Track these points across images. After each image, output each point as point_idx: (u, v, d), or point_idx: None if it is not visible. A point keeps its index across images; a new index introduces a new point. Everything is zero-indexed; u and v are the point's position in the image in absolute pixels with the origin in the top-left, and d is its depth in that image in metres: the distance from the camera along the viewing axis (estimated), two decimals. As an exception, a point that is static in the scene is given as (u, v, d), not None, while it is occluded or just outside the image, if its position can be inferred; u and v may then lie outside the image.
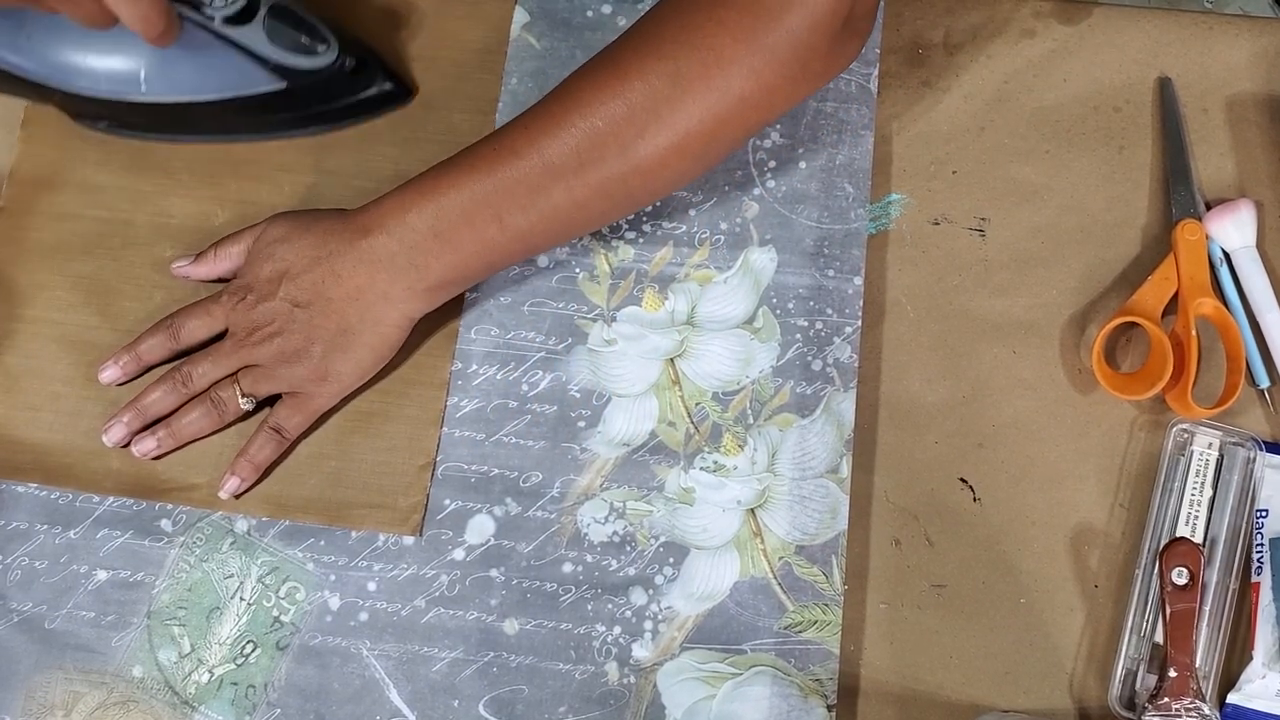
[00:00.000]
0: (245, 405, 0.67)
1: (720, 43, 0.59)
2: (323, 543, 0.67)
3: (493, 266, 0.66)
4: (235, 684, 0.65)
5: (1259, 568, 0.64)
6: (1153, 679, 0.63)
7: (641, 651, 0.65)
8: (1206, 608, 0.63)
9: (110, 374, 0.69)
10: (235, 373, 0.67)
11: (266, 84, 0.69)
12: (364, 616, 0.66)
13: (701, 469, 0.68)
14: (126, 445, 0.68)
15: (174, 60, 0.67)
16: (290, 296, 0.65)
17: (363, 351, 0.66)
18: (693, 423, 0.69)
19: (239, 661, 0.65)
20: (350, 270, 0.65)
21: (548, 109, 0.63)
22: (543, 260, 0.71)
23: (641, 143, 0.61)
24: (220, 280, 0.70)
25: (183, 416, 0.68)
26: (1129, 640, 0.64)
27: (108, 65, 0.68)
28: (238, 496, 0.67)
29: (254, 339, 0.66)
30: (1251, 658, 0.63)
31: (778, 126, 0.73)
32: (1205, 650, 0.63)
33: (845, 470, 0.67)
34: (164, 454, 0.68)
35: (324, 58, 0.69)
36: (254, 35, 0.67)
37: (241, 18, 0.66)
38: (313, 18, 0.69)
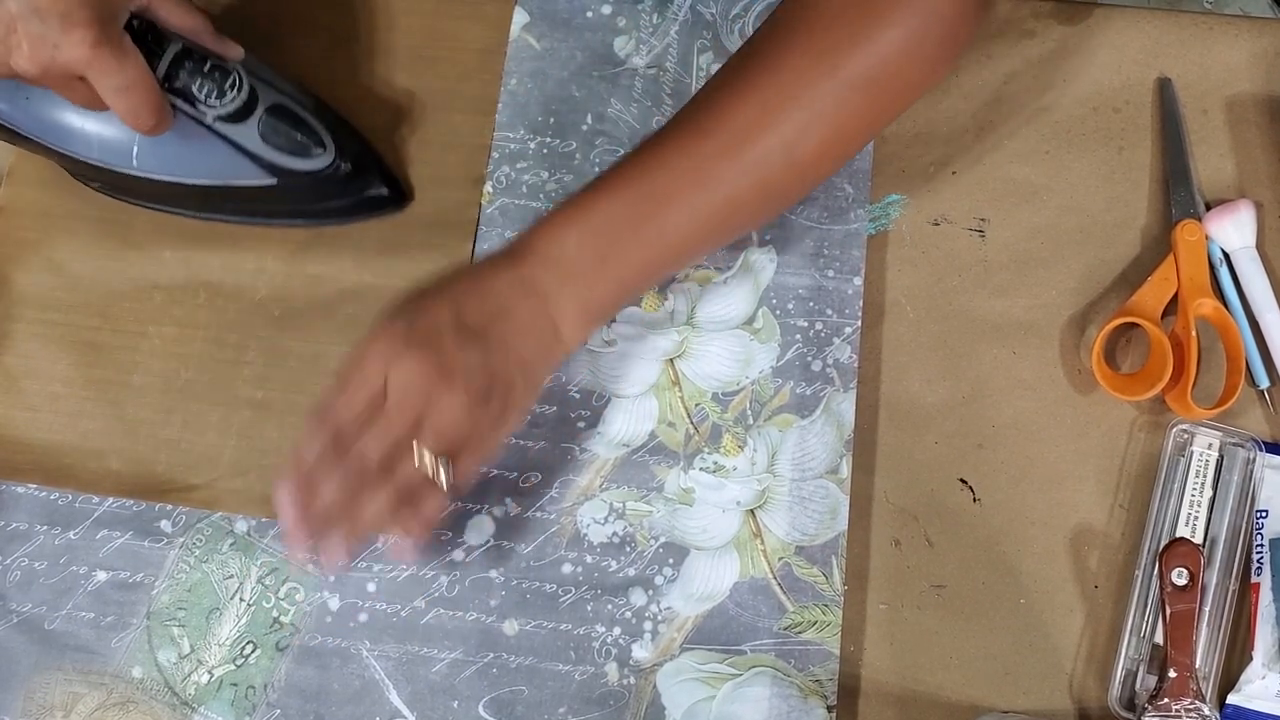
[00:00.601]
0: (444, 475, 0.57)
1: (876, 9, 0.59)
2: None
3: (651, 278, 0.65)
4: (235, 685, 0.65)
5: (1259, 568, 0.64)
6: (1153, 679, 0.63)
7: (641, 652, 0.65)
8: (1206, 608, 0.63)
9: (294, 539, 0.59)
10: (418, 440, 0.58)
11: (256, 178, 0.67)
12: (364, 617, 0.66)
13: (701, 469, 0.68)
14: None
15: (166, 142, 0.66)
16: (458, 336, 0.57)
17: (548, 339, 0.61)
18: (692, 423, 0.69)
19: (239, 662, 0.65)
20: (516, 302, 0.59)
21: (700, 108, 0.61)
22: (542, 261, 0.71)
23: (799, 137, 0.59)
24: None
25: (365, 506, 0.58)
26: (1129, 641, 0.64)
27: (102, 134, 0.67)
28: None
29: (434, 407, 0.57)
30: (1251, 658, 0.63)
31: (777, 127, 0.73)
32: (1205, 651, 0.63)
33: (845, 471, 0.67)
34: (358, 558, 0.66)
35: (318, 160, 0.67)
36: (248, 133, 0.66)
37: (236, 116, 0.65)
38: (313, 118, 0.68)
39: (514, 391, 0.59)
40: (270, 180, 0.67)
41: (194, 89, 0.64)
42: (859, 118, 0.61)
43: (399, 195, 0.71)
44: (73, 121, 0.66)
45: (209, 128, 0.65)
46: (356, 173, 0.69)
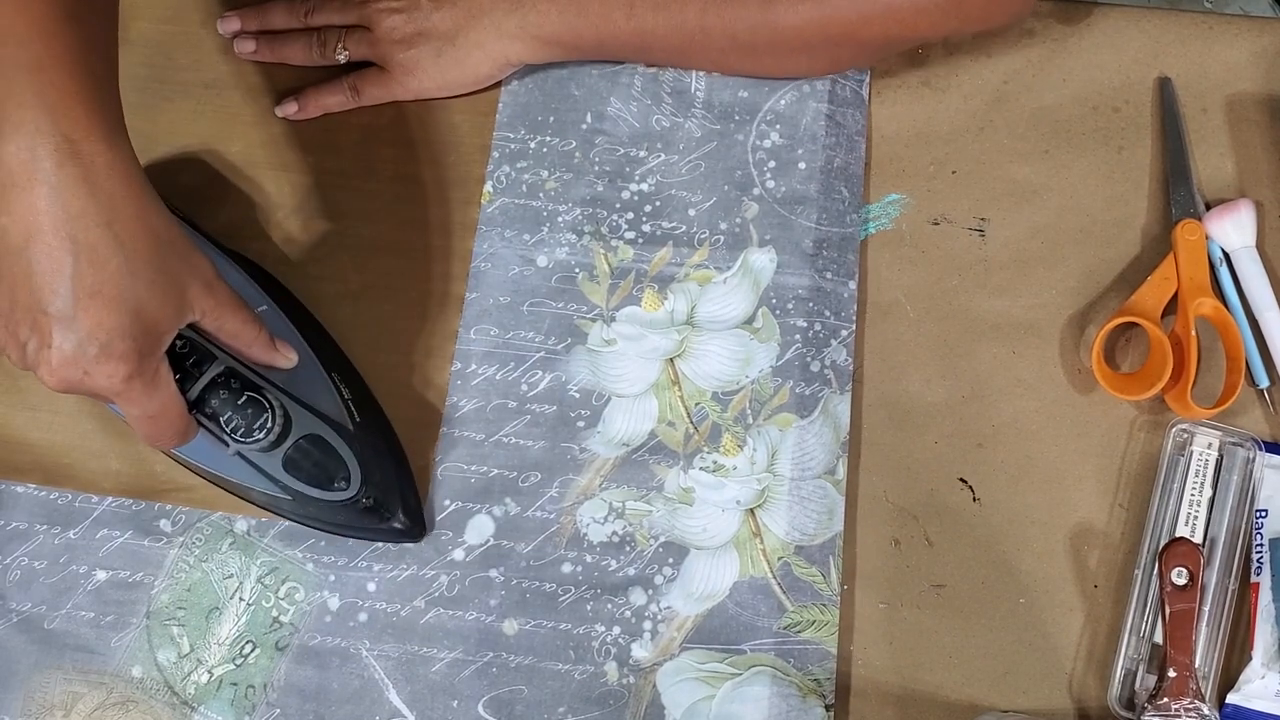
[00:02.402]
0: (340, 57, 0.72)
1: None
2: (322, 543, 0.67)
3: (602, 49, 0.70)
4: (234, 684, 0.65)
5: (1258, 568, 0.64)
6: (1152, 679, 0.63)
7: (641, 651, 0.65)
8: (1206, 608, 0.63)
9: (229, 25, 0.74)
10: (347, 28, 0.72)
11: (271, 490, 0.65)
12: (363, 617, 0.66)
13: (701, 469, 0.68)
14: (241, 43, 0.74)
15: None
16: None
17: (454, 69, 0.71)
18: (692, 423, 0.69)
19: (238, 662, 0.65)
20: None
21: None
22: (542, 260, 0.71)
23: (785, 4, 0.64)
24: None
25: (288, 39, 0.74)
26: (1128, 640, 0.64)
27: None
28: (288, 118, 0.74)
29: (379, 5, 0.71)
30: (1251, 658, 0.63)
31: (777, 126, 0.73)
32: (1205, 650, 0.63)
33: (842, 472, 0.67)
34: (257, 60, 0.75)
35: (339, 494, 0.64)
36: (271, 461, 0.64)
37: (264, 449, 0.63)
38: (348, 448, 0.64)
39: (432, 56, 0.71)
40: (285, 496, 0.65)
41: (223, 420, 0.61)
42: (843, 24, 0.64)
43: (417, 529, 0.66)
44: None
45: (231, 453, 0.63)
46: (378, 506, 0.65)
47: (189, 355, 0.61)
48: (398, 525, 0.65)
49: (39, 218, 0.52)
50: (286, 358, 0.64)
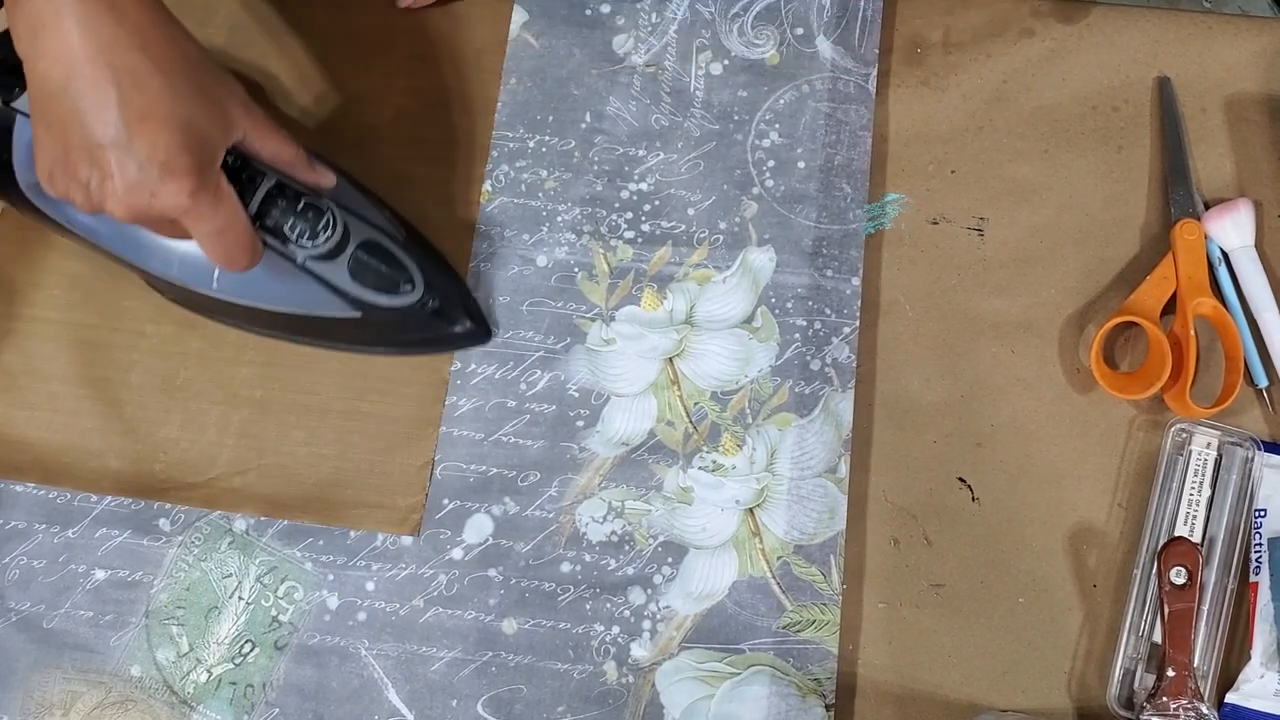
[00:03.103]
0: None
1: None
2: (321, 542, 0.67)
3: None
4: (234, 683, 0.65)
5: (1257, 567, 0.64)
6: (1151, 678, 0.63)
7: (640, 651, 0.65)
8: (1205, 607, 0.63)
9: None
10: None
11: (341, 310, 0.65)
12: (362, 616, 0.66)
13: (700, 468, 0.68)
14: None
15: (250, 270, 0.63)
16: None
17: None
18: (691, 422, 0.69)
19: (237, 661, 0.65)
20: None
21: None
22: (541, 259, 0.71)
23: None
24: None
25: None
26: (1127, 639, 0.64)
27: (183, 255, 0.65)
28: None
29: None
30: (1250, 657, 0.63)
31: (776, 125, 0.73)
32: (1203, 650, 0.63)
33: (844, 470, 0.67)
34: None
35: (407, 297, 0.65)
36: (337, 270, 0.64)
37: (329, 255, 0.63)
38: (404, 253, 0.66)
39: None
40: (354, 314, 0.65)
41: (286, 229, 0.62)
42: None
43: (483, 332, 0.69)
44: (154, 240, 0.64)
45: (299, 265, 0.63)
46: (443, 309, 0.67)
47: (240, 172, 0.61)
48: (463, 328, 0.67)
49: (73, 53, 0.52)
50: (326, 177, 0.64)
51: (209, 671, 0.65)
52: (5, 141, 0.64)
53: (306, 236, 0.62)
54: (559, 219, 0.72)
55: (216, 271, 0.65)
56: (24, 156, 0.64)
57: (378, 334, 0.67)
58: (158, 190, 0.54)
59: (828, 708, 0.64)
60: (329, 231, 0.62)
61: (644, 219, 0.72)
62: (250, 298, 0.66)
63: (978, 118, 0.74)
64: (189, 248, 0.64)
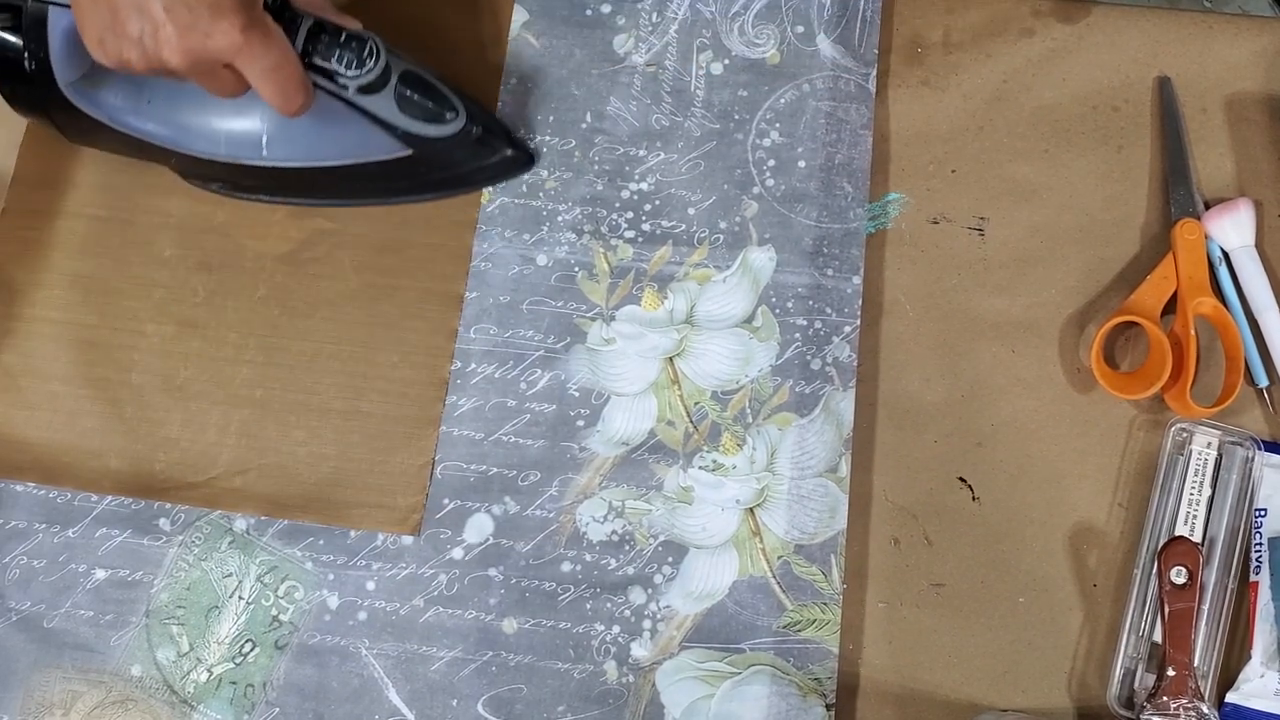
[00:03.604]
0: None
1: None
2: (321, 542, 0.67)
3: None
4: (234, 683, 0.65)
5: (1257, 567, 0.64)
6: (1151, 678, 0.63)
7: (640, 650, 0.65)
8: (1205, 607, 0.63)
9: None
10: None
11: (391, 151, 0.67)
12: (363, 615, 0.66)
13: (700, 468, 0.68)
14: None
15: (298, 125, 0.65)
16: None
17: None
18: (692, 422, 0.69)
19: (237, 660, 0.65)
20: None
21: None
22: (541, 259, 0.71)
23: None
24: None
25: None
26: (1127, 639, 0.64)
27: (229, 128, 0.66)
28: None
29: None
30: (1250, 657, 0.63)
31: (777, 125, 0.73)
32: (1204, 649, 0.63)
33: (844, 469, 0.67)
34: None
35: (452, 126, 0.67)
36: (385, 104, 0.65)
37: (374, 87, 0.64)
38: (443, 84, 0.67)
39: None
40: (405, 152, 0.67)
41: (333, 61, 0.63)
42: None
43: (527, 157, 0.72)
44: (198, 121, 0.66)
45: (348, 101, 0.64)
46: (487, 136, 0.69)
47: (281, 12, 0.61)
48: (509, 155, 0.69)
49: None
50: (353, 21, 0.65)
51: (209, 671, 0.65)
52: (40, 36, 0.63)
53: (354, 66, 0.63)
54: (559, 218, 0.72)
55: (265, 138, 0.66)
56: (61, 48, 0.64)
57: (428, 172, 0.69)
58: (210, 30, 0.56)
59: (828, 707, 0.64)
60: (373, 60, 0.63)
61: (644, 218, 0.72)
62: (301, 158, 0.67)
63: (978, 117, 0.74)
64: (234, 122, 0.65)
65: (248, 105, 0.64)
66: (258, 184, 0.70)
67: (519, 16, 0.76)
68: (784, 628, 0.65)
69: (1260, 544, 0.64)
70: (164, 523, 0.68)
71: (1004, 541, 0.67)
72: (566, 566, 0.67)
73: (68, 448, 0.69)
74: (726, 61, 0.75)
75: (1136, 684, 0.63)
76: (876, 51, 0.74)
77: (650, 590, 0.66)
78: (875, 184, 0.73)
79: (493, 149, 0.70)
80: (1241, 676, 0.63)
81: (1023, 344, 0.70)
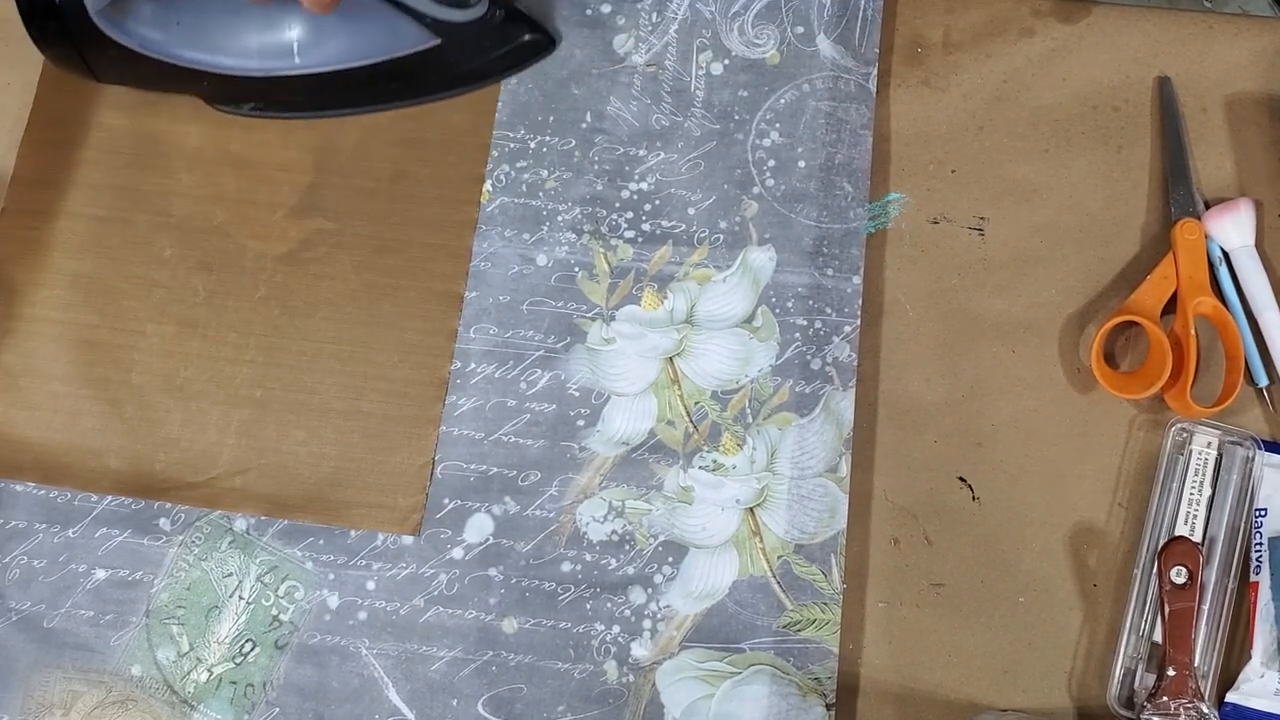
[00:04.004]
0: None
1: None
2: (321, 542, 0.67)
3: None
4: (234, 683, 0.65)
5: (1258, 567, 0.64)
6: (1151, 678, 0.63)
7: (640, 650, 0.65)
8: (1205, 607, 0.63)
9: None
10: None
11: (419, 43, 0.69)
12: (363, 615, 0.66)
13: (700, 468, 0.68)
14: None
15: (328, 27, 0.66)
16: None
17: None
18: (692, 422, 0.69)
19: (238, 660, 0.65)
20: None
21: None
22: (541, 259, 0.71)
23: None
24: None
25: None
26: (1128, 639, 0.64)
27: (261, 41, 0.67)
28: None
29: None
30: (1250, 656, 0.63)
31: (777, 125, 0.73)
32: (1204, 649, 0.63)
33: (845, 469, 0.67)
34: None
35: (476, 9, 0.68)
36: None
37: None
38: None
39: None
40: (433, 41, 0.68)
41: None
42: None
43: (549, 40, 0.73)
44: (229, 37, 0.67)
45: None
46: (509, 20, 0.71)
47: None
48: (532, 37, 0.71)
49: None
50: None
51: (209, 671, 0.65)
52: None
53: None
54: (559, 218, 0.72)
55: (296, 45, 0.67)
56: None
57: (456, 63, 0.70)
58: None
59: (828, 707, 0.64)
60: None
61: (644, 218, 0.72)
62: (333, 62, 0.68)
63: (978, 117, 0.74)
64: (264, 34, 0.66)
65: (278, 14, 0.66)
66: (289, 98, 0.72)
67: (519, 16, 0.76)
68: (784, 627, 0.65)
69: (1260, 544, 0.64)
70: (164, 523, 0.68)
71: (1004, 541, 0.67)
72: (566, 566, 0.67)
73: (68, 448, 0.69)
74: (726, 61, 0.75)
75: (1136, 684, 0.63)
76: (877, 51, 0.74)
77: (650, 590, 0.66)
78: (875, 184, 0.73)
79: (516, 33, 0.72)
80: (1241, 676, 0.63)
81: (1023, 344, 0.70)
